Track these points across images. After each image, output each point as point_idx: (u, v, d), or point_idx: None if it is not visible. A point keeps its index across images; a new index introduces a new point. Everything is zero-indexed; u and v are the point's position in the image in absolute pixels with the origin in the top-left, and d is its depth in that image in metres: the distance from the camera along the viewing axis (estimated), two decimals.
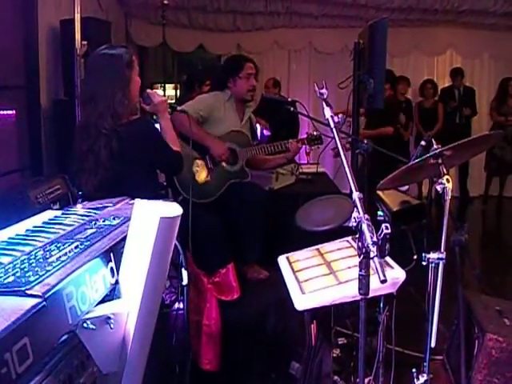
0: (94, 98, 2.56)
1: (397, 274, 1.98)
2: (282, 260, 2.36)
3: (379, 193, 2.70)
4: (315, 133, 3.87)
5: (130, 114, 2.62)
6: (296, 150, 3.83)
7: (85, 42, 3.91)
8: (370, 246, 1.40)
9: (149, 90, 2.85)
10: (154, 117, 2.94)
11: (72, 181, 2.85)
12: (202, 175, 3.57)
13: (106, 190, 2.44)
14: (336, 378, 2.51)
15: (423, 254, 2.09)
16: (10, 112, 3.86)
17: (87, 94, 2.63)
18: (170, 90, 7.55)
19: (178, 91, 7.62)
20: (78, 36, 3.86)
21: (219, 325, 3.01)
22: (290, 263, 2.30)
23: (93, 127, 2.54)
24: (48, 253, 1.25)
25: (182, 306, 2.34)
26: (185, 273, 1.68)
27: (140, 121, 2.69)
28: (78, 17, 3.83)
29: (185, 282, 1.69)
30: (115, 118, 2.53)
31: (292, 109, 3.77)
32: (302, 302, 1.97)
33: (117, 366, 1.32)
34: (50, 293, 1.05)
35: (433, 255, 2.06)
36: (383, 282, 1.36)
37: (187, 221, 2.74)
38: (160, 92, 6.40)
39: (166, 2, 6.46)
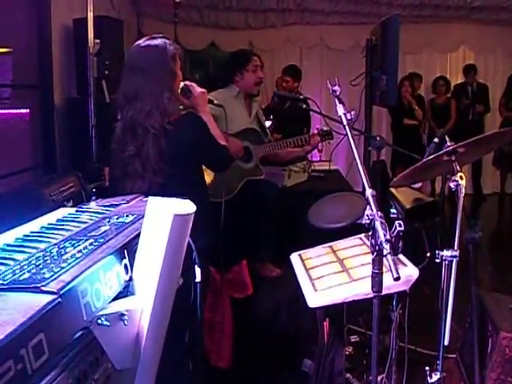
0: (140, 95, 2.33)
1: (410, 272, 1.97)
2: (294, 257, 2.36)
3: (392, 190, 2.70)
4: (325, 128, 3.94)
5: (179, 110, 2.43)
6: (316, 144, 3.90)
7: (97, 41, 3.93)
8: (384, 244, 1.39)
9: (187, 82, 2.58)
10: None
11: (111, 187, 2.59)
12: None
13: (155, 195, 2.32)
14: (348, 375, 2.52)
15: (436, 252, 2.08)
16: (23, 111, 3.89)
17: (131, 91, 2.36)
18: None
19: None
20: (90, 35, 3.88)
21: (232, 322, 3.02)
22: (302, 261, 2.30)
23: (140, 127, 2.33)
24: (63, 250, 1.25)
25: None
26: (198, 270, 1.68)
27: (187, 116, 2.47)
28: (90, 15, 3.85)
29: (198, 279, 1.69)
30: (164, 116, 2.33)
31: (304, 106, 3.77)
32: (314, 299, 1.96)
33: (131, 363, 1.33)
34: (65, 289, 1.05)
35: (446, 253, 2.05)
36: (396, 279, 1.36)
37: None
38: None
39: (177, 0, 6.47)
